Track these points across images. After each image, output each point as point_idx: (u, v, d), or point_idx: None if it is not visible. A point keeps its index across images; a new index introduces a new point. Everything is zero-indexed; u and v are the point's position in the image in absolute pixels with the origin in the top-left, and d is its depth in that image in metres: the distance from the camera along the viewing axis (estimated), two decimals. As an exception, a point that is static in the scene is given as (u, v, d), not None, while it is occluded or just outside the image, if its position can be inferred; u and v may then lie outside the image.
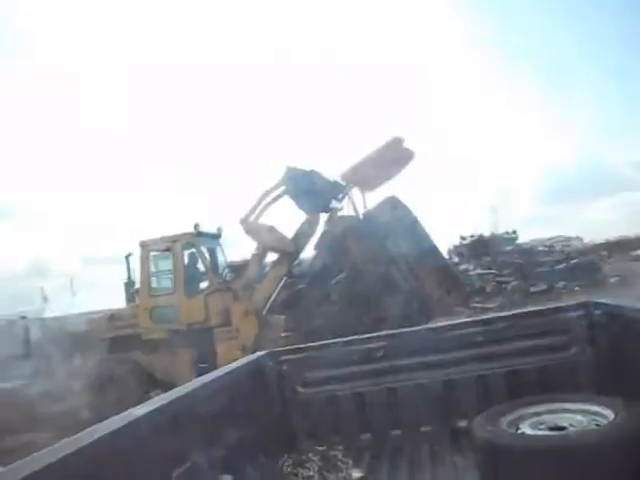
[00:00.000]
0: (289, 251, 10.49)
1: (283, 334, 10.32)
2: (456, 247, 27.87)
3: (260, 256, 10.82)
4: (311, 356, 3.45)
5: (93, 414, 10.07)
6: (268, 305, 10.67)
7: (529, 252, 26.48)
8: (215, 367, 9.44)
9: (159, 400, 2.32)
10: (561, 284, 22.65)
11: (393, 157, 10.16)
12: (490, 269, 24.33)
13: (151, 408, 2.11)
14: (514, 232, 28.76)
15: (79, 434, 1.80)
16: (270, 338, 9.81)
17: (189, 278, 10.95)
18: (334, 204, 10.54)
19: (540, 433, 2.39)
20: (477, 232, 28.24)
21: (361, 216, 10.41)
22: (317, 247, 10.52)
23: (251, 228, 10.40)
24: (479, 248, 26.37)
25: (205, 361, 10.13)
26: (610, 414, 2.34)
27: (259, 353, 3.45)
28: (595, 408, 2.45)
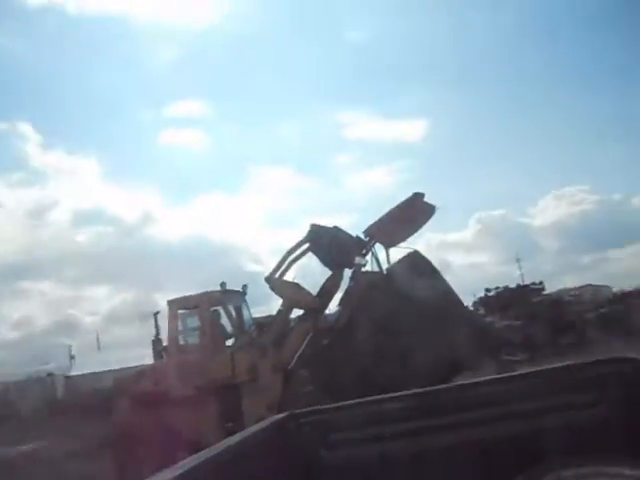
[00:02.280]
0: (314, 307, 10.55)
1: (306, 389, 10.19)
2: (481, 299, 27.55)
3: (286, 312, 10.93)
4: (334, 417, 3.38)
5: (120, 473, 10.01)
6: (295, 360, 10.64)
7: (557, 302, 26.00)
8: (242, 425, 9.43)
9: (182, 466, 2.30)
10: (591, 335, 22.04)
11: (414, 213, 10.31)
12: (517, 320, 23.84)
13: (174, 474, 2.10)
14: (540, 283, 28.41)
15: None
16: (297, 394, 9.70)
17: (216, 335, 11.12)
18: (358, 260, 10.63)
19: None
20: (502, 284, 27.97)
21: (385, 271, 10.45)
22: (341, 303, 10.59)
23: (276, 285, 10.59)
24: (505, 300, 26.01)
25: (232, 419, 10.11)
26: None
27: (279, 415, 3.38)
28: (628, 471, 2.37)
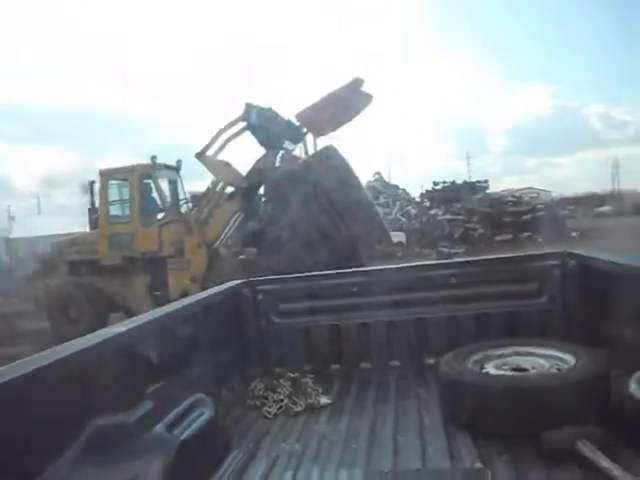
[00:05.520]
0: (242, 187, 10.52)
1: (231, 267, 10.40)
2: (428, 192, 28.12)
3: (213, 190, 10.80)
4: (287, 287, 3.49)
5: (56, 331, 10.41)
6: (221, 238, 10.82)
7: (498, 202, 26.87)
8: (167, 295, 9.76)
9: (137, 320, 2.34)
10: (525, 235, 23.21)
11: (349, 100, 9.86)
12: (459, 215, 24.68)
13: (126, 327, 2.14)
14: (486, 181, 29.15)
15: (58, 346, 1.84)
16: (222, 270, 9.92)
17: (145, 208, 11.12)
18: (287, 144, 10.49)
19: (502, 373, 2.51)
20: (450, 179, 28.53)
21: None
22: (264, 190, 10.54)
23: (207, 162, 10.39)
24: (450, 194, 26.65)
25: (158, 289, 10.53)
26: (572, 360, 2.47)
27: (236, 281, 3.46)
28: (558, 353, 2.58)
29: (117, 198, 11.53)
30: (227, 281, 3.52)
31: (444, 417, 2.49)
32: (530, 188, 36.06)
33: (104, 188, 11.23)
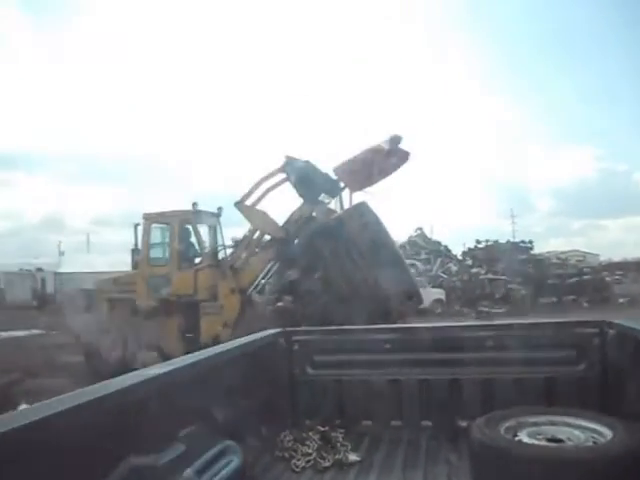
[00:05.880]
0: (278, 237, 10.68)
1: (266, 313, 10.44)
2: (471, 250, 27.83)
3: (250, 238, 11.02)
4: (322, 339, 3.52)
5: (93, 366, 10.65)
6: (254, 285, 10.92)
7: (542, 263, 26.35)
8: (198, 339, 10.03)
9: (172, 363, 2.40)
10: (570, 298, 22.56)
11: (386, 156, 9.91)
12: (502, 275, 24.25)
13: (163, 370, 2.20)
14: (530, 242, 28.69)
15: (94, 386, 1.91)
16: (254, 317, 9.97)
17: (183, 252, 11.50)
18: (323, 197, 10.65)
19: (536, 442, 2.44)
20: (493, 237, 28.21)
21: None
22: (299, 242, 10.62)
23: (245, 211, 10.64)
24: (493, 253, 26.29)
25: (191, 332, 10.73)
26: (609, 433, 2.39)
27: (273, 330, 3.51)
28: (595, 426, 2.49)
29: (158, 241, 11.99)
30: (259, 328, 3.57)
31: None
32: (576, 251, 35.25)
33: (146, 231, 11.69)
